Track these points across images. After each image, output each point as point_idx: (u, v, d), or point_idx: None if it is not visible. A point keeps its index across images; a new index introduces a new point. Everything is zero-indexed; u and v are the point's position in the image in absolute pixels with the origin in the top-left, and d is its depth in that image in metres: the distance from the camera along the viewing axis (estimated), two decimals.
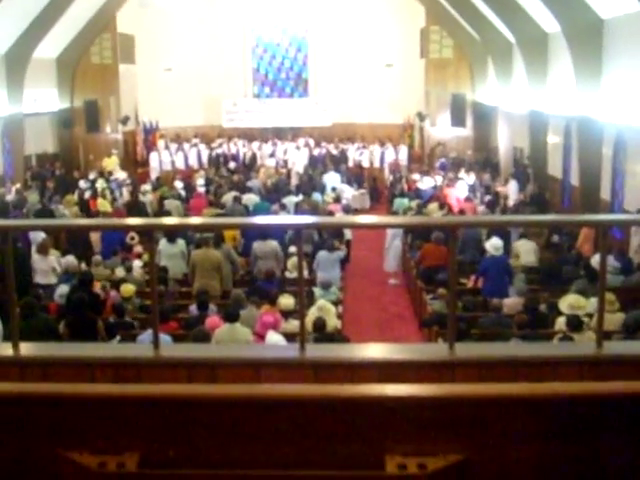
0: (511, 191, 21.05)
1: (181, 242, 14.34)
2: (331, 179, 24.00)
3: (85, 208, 20.05)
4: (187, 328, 10.80)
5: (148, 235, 5.31)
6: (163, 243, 14.10)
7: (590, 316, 10.11)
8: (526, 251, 14.88)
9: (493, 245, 13.37)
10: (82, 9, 25.84)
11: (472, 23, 26.04)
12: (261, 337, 9.80)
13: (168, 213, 18.13)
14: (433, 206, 18.74)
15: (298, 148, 29.92)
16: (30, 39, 23.83)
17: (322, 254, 14.25)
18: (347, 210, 19.00)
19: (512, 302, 12.01)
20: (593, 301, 10.45)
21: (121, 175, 25.30)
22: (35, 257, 14.10)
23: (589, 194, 18.08)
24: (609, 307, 10.33)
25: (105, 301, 11.87)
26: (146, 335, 9.19)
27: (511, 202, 19.64)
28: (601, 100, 17.01)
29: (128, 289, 12.05)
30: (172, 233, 13.69)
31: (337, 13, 31.99)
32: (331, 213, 17.72)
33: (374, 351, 4.86)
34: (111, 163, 27.82)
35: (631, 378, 4.01)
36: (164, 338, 10.40)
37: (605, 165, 17.83)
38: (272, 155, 29.56)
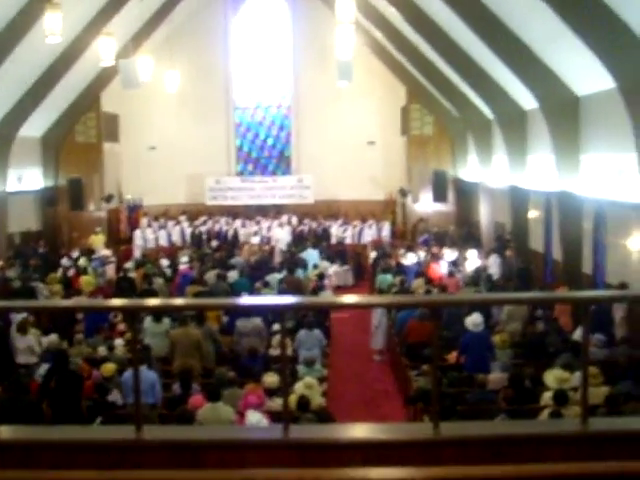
0: (492, 265, 21.15)
1: (166, 321, 14.28)
2: (309, 256, 24.00)
3: (68, 286, 19.97)
4: (170, 407, 10.73)
5: (132, 315, 5.29)
6: (148, 321, 14.06)
7: (575, 390, 10.11)
8: (511, 314, 15.13)
9: (473, 321, 13.42)
10: (67, 89, 26.13)
11: (452, 101, 26.50)
12: (243, 416, 9.71)
13: (153, 291, 18.10)
14: (418, 282, 18.78)
15: (281, 225, 30.05)
16: (15, 118, 24.02)
17: (302, 333, 14.22)
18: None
19: (496, 377, 11.99)
20: (578, 375, 10.45)
21: (105, 252, 25.29)
22: (14, 335, 13.96)
23: (571, 268, 18.18)
24: (593, 381, 10.34)
25: (83, 378, 11.76)
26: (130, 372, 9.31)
27: (494, 277, 19.70)
28: (580, 175, 17.25)
29: (108, 368, 11.94)
30: (157, 313, 13.65)
31: (319, 92, 32.42)
32: (318, 290, 17.79)
33: (359, 431, 4.82)
34: (97, 241, 27.81)
35: (616, 456, 4.00)
36: (150, 376, 10.47)
37: (586, 239, 17.97)
38: (256, 233, 29.63)
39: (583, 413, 4.75)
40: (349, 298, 5.65)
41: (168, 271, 21.64)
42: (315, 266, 22.25)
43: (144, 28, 27.55)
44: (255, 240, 28.66)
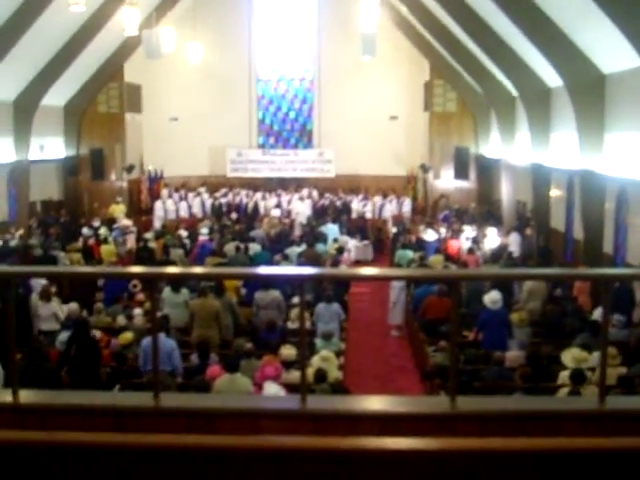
0: (513, 243, 21.07)
1: (185, 291, 14.32)
2: (329, 230, 23.97)
3: (88, 255, 20.07)
4: (188, 377, 10.79)
5: (151, 284, 5.31)
6: (167, 292, 14.10)
7: (593, 370, 10.08)
8: (532, 292, 15.07)
9: (491, 299, 13.37)
10: (90, 59, 26.17)
11: (475, 77, 26.28)
12: (261, 387, 9.75)
13: (172, 261, 18.16)
14: (437, 258, 18.74)
15: (302, 199, 30.01)
16: (38, 87, 24.09)
17: (320, 306, 14.23)
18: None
19: (514, 355, 11.96)
20: (596, 355, 10.43)
21: (126, 222, 25.38)
22: (38, 303, 14.07)
23: (592, 248, 18.08)
24: (611, 361, 10.30)
25: (103, 347, 11.85)
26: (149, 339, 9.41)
27: (515, 254, 19.63)
28: (603, 154, 17.10)
29: (126, 337, 12.02)
30: (176, 282, 13.69)
31: (342, 66, 32.27)
32: (335, 264, 17.76)
33: (375, 403, 4.83)
34: (118, 210, 27.94)
35: (633, 433, 3.99)
36: (169, 344, 10.65)
37: (608, 219, 17.85)
38: (277, 206, 29.64)
39: (600, 391, 4.74)
40: (368, 270, 5.64)
41: (187, 242, 21.69)
42: (335, 240, 22.22)
43: None
44: (275, 213, 28.68)
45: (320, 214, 28.26)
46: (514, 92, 23.37)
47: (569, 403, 5.55)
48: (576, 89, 17.62)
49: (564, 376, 10.36)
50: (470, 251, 19.72)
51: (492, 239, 21.45)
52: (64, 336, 12.19)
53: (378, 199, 30.23)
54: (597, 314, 13.15)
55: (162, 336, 10.46)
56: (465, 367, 11.68)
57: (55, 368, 10.72)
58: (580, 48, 16.89)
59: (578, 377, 9.66)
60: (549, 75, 19.57)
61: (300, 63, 34.31)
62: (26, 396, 4.81)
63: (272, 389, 9.49)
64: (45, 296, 14.01)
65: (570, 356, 11.08)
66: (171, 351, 10.88)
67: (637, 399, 6.68)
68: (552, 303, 15.08)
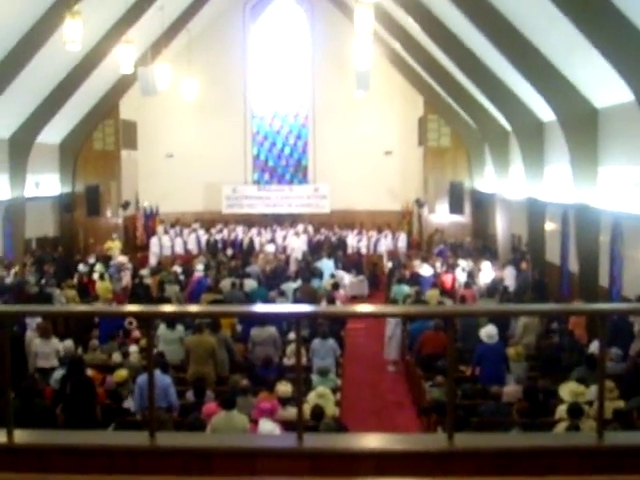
0: (508, 277, 21.10)
1: (180, 328, 14.27)
2: (325, 266, 23.96)
3: (84, 292, 20.01)
4: (184, 414, 10.73)
5: (147, 321, 5.29)
6: (162, 329, 14.06)
7: (590, 403, 10.06)
8: (527, 327, 15.05)
9: (487, 333, 13.35)
10: (86, 96, 26.30)
11: (469, 112, 26.45)
12: (257, 424, 9.69)
13: (167, 298, 18.13)
14: (433, 293, 18.75)
15: (297, 234, 30.05)
16: (34, 125, 24.20)
17: (316, 342, 14.18)
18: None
19: (511, 390, 11.92)
20: (593, 389, 10.41)
21: (122, 259, 25.35)
22: (36, 341, 13.98)
23: (587, 281, 18.08)
24: (609, 395, 10.26)
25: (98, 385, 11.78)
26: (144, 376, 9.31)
27: (510, 288, 19.66)
28: (597, 187, 17.17)
29: (121, 374, 11.98)
30: (172, 319, 13.65)
31: (336, 101, 32.45)
32: (331, 299, 17.74)
33: (372, 441, 4.79)
34: (114, 247, 27.95)
35: (632, 469, 3.97)
36: (165, 381, 10.58)
37: (603, 252, 17.89)
38: (271, 241, 29.66)
39: (599, 427, 4.71)
40: (364, 307, 5.62)
41: (182, 278, 21.65)
42: (332, 276, 22.21)
43: (163, 36, 27.66)
44: (271, 249, 28.67)
45: (315, 249, 28.28)
46: (508, 127, 23.51)
47: (567, 439, 5.51)
48: (569, 123, 17.74)
49: (562, 410, 10.33)
50: (467, 285, 19.71)
51: (487, 273, 21.47)
52: (59, 374, 12.13)
53: (373, 234, 30.30)
54: (593, 347, 13.14)
55: (158, 373, 10.42)
56: (462, 402, 11.64)
57: (50, 406, 10.65)
58: (572, 83, 17.03)
59: (576, 411, 9.63)
60: (542, 110, 19.70)
61: (294, 99, 34.52)
62: (21, 436, 4.77)
63: (267, 426, 9.44)
64: (45, 333, 13.94)
65: (567, 390, 11.05)
66: (167, 387, 10.85)
67: (636, 434, 6.64)
68: (548, 337, 15.06)
